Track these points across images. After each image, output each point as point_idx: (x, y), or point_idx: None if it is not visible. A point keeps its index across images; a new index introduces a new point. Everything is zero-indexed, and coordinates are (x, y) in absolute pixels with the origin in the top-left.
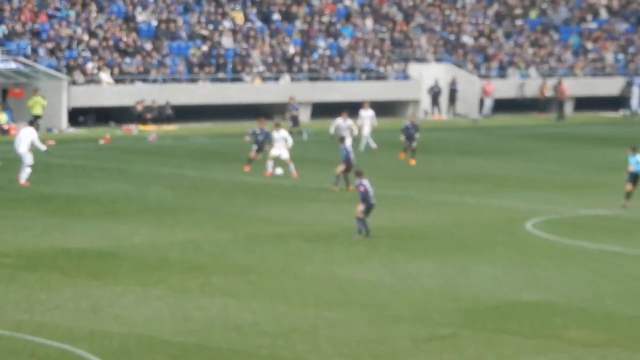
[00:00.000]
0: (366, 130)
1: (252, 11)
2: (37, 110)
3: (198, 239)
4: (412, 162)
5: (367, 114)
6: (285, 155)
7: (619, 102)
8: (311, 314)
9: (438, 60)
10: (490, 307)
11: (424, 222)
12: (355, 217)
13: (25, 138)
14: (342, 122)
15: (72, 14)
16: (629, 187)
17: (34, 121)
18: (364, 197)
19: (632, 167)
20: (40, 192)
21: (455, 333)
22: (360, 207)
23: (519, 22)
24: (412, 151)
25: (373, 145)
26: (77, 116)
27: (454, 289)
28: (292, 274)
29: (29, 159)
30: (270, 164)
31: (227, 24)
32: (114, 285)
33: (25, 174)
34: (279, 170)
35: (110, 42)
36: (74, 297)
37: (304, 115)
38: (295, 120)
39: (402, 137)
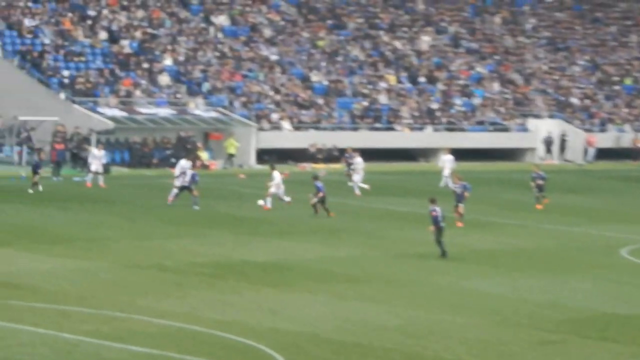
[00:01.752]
0: (446, 172)
1: (403, 74)
2: (232, 150)
3: (356, 255)
4: (539, 206)
5: (447, 158)
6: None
7: None
8: (446, 319)
9: (551, 116)
10: (592, 318)
11: (538, 246)
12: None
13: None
14: (356, 159)
15: (260, 74)
16: None
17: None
18: (435, 221)
19: None
20: (232, 215)
21: (564, 339)
22: (431, 228)
23: (616, 87)
24: (537, 198)
25: (450, 185)
26: (263, 155)
27: (562, 302)
28: (431, 286)
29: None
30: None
31: (383, 84)
32: (289, 291)
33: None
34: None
35: (291, 97)
36: (256, 301)
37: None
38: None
39: (533, 185)
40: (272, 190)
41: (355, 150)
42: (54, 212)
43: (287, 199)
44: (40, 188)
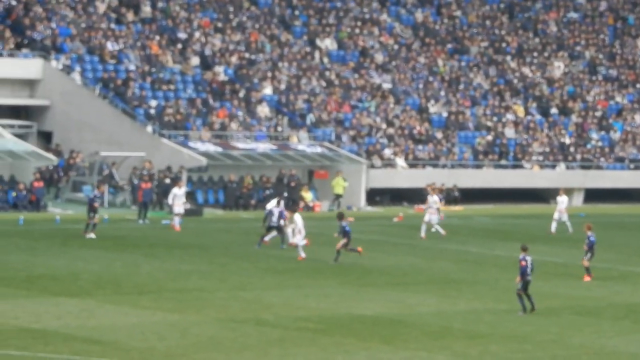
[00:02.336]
0: (557, 215)
1: (532, 105)
2: (339, 190)
3: (478, 309)
4: None
5: (562, 199)
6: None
7: None
8: None
9: None
10: None
11: None
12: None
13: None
14: (429, 197)
15: (372, 105)
16: None
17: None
18: (523, 273)
19: None
20: (338, 264)
21: None
22: (518, 280)
23: None
24: None
25: (570, 229)
26: (374, 196)
27: None
28: (563, 345)
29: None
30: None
31: (509, 116)
32: (403, 349)
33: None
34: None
35: (406, 131)
36: None
37: (577, 200)
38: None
39: None
40: (296, 240)
41: (435, 189)
42: (139, 259)
43: (301, 243)
44: (93, 235)
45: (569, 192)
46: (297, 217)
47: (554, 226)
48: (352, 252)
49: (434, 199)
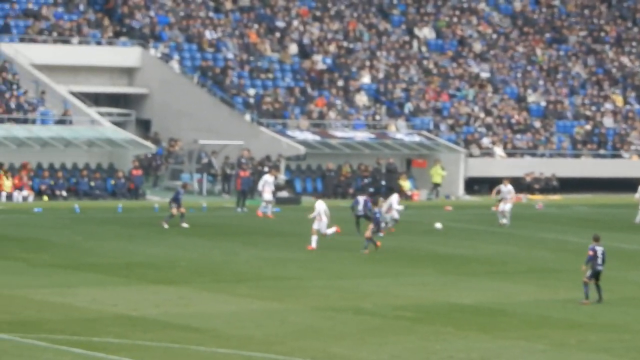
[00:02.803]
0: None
1: (631, 95)
2: (437, 179)
3: (577, 298)
4: None
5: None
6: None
7: None
8: None
9: None
10: None
11: None
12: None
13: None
14: (503, 187)
15: (470, 94)
16: None
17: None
18: (591, 262)
19: None
20: (437, 252)
21: None
22: (584, 269)
23: None
24: None
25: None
26: (473, 185)
27: None
28: None
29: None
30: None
31: (608, 105)
32: (502, 339)
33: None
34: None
35: (504, 120)
36: (465, 349)
37: None
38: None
39: None
40: (314, 226)
41: (507, 179)
42: (237, 248)
43: (329, 231)
44: (185, 224)
45: None
46: (319, 203)
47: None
48: (371, 242)
49: (507, 189)
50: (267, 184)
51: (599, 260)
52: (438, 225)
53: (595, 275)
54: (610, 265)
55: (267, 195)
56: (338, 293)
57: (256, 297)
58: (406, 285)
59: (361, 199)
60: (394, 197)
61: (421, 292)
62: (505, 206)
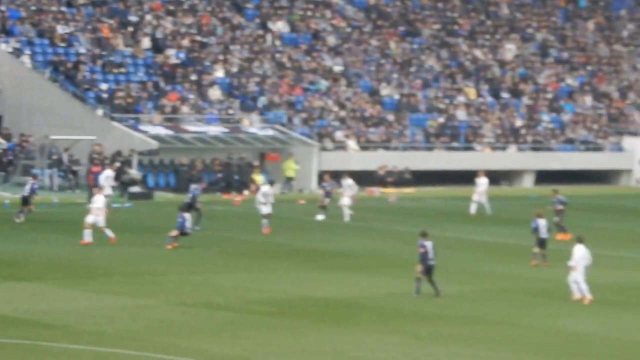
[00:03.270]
0: (476, 197)
1: (484, 88)
2: (290, 173)
3: (430, 291)
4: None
5: (482, 181)
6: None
7: None
8: None
9: None
10: None
11: (635, 280)
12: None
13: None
14: (343, 182)
15: (324, 87)
16: None
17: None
18: (423, 258)
19: None
20: (292, 246)
21: None
22: (419, 268)
23: None
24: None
25: (488, 210)
26: None
27: None
28: (514, 325)
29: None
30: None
31: (461, 98)
32: (355, 331)
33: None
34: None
35: (357, 114)
36: (318, 342)
37: (528, 181)
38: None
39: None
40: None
41: (347, 173)
42: (90, 243)
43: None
44: (20, 219)
45: (519, 174)
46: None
47: (473, 208)
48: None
49: (348, 183)
50: (108, 179)
51: (430, 255)
52: (320, 217)
53: (428, 271)
54: (463, 257)
55: (108, 190)
56: (191, 288)
57: (109, 293)
58: (260, 280)
59: (193, 187)
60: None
61: (275, 286)
62: (344, 200)
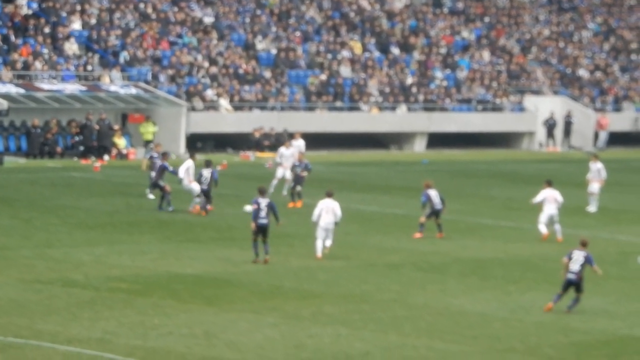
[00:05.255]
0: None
1: (371, 41)
2: (148, 137)
3: (312, 266)
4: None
5: (298, 143)
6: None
7: None
8: (423, 345)
9: (554, 92)
10: (602, 341)
11: (537, 253)
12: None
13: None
14: (285, 150)
15: (193, 41)
16: None
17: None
18: (255, 216)
19: None
20: (157, 217)
21: None
22: (252, 225)
23: (634, 57)
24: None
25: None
26: (196, 142)
27: (566, 323)
28: (405, 304)
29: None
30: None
31: (345, 53)
32: (228, 311)
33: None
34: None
35: (230, 70)
36: (187, 323)
37: (420, 145)
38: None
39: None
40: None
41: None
42: None
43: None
44: None
45: (410, 137)
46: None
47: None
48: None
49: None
50: None
51: (262, 214)
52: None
53: (261, 230)
54: (349, 229)
55: None
56: (46, 263)
57: None
58: (122, 254)
59: (207, 172)
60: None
61: (139, 262)
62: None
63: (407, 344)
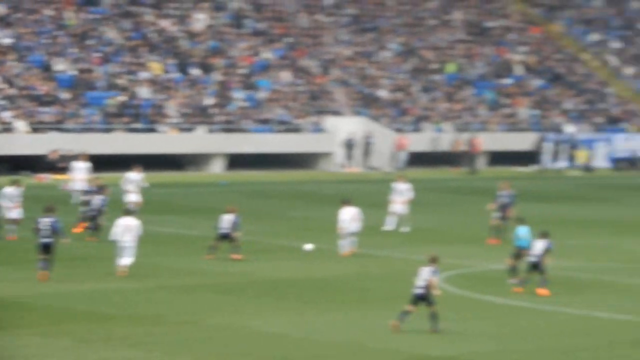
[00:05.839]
0: (78, 184)
1: (171, 62)
2: None
3: (104, 289)
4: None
5: (82, 166)
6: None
7: (532, 157)
8: None
9: (354, 113)
10: None
11: (334, 273)
12: None
13: None
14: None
15: None
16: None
17: None
18: (37, 234)
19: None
20: None
21: None
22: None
23: (435, 77)
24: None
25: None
26: None
27: (361, 343)
28: (199, 326)
29: None
30: None
31: (145, 74)
32: (17, 335)
33: None
34: None
35: (28, 91)
36: None
37: (219, 166)
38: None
39: (493, 207)
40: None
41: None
42: None
43: None
44: None
45: (208, 158)
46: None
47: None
48: None
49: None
50: None
51: (44, 233)
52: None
53: (44, 248)
54: (144, 251)
55: None
56: None
57: None
58: None
59: (98, 198)
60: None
61: None
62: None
63: None
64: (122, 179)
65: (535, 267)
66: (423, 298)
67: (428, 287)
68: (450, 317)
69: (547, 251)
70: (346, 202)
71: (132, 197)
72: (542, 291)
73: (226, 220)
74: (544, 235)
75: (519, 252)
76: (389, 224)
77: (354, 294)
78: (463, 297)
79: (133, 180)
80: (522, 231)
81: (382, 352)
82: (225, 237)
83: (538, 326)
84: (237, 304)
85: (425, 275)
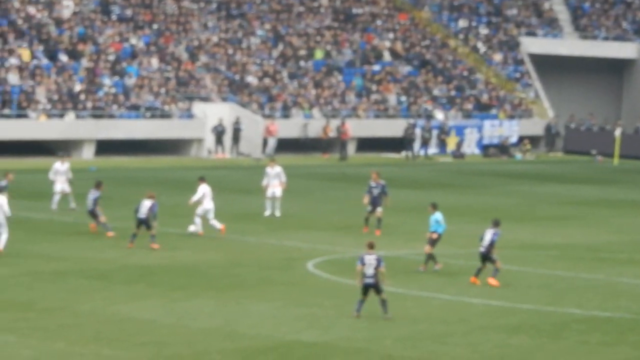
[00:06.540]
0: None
1: (39, 48)
2: None
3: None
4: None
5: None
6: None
7: (402, 144)
8: (90, 352)
9: (223, 99)
10: (270, 347)
11: (204, 260)
12: None
13: None
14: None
15: None
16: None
17: None
18: None
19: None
20: None
21: None
22: None
23: (303, 63)
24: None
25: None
26: None
27: (233, 329)
28: (71, 312)
29: None
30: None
31: (13, 60)
32: None
33: None
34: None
35: None
36: None
37: (88, 152)
38: None
39: (366, 200)
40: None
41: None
42: None
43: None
44: None
45: (79, 144)
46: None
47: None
48: None
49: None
50: None
51: None
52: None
53: None
54: (16, 237)
55: None
56: None
57: None
58: None
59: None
60: None
61: None
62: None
63: (75, 351)
64: (50, 170)
65: (485, 257)
66: (372, 286)
67: (376, 276)
68: (322, 303)
69: (492, 243)
70: (202, 179)
71: (59, 187)
72: (493, 281)
73: (145, 205)
74: (495, 224)
75: (432, 238)
76: (269, 209)
77: (225, 280)
78: (335, 283)
79: (59, 170)
80: (436, 217)
81: (254, 337)
82: (142, 222)
83: (411, 312)
84: (108, 289)
85: (373, 264)
